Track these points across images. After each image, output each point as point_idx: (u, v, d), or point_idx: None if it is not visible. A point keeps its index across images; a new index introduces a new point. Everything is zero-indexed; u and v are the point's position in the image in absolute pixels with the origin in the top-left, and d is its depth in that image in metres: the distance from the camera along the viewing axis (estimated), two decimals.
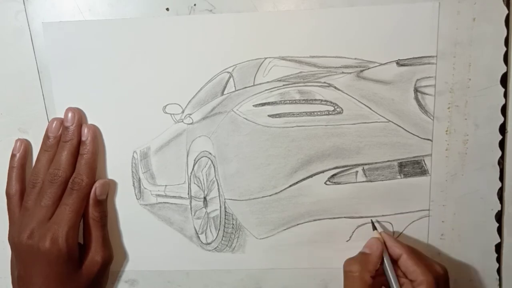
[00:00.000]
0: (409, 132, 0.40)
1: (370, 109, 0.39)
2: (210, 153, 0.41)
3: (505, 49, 0.38)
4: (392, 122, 0.40)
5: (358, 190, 0.41)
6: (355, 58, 0.39)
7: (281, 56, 0.39)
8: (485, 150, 0.40)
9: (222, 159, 0.42)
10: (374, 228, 0.41)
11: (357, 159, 0.41)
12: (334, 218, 0.42)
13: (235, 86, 0.40)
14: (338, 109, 0.40)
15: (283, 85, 0.40)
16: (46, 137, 0.41)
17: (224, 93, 0.40)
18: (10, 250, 0.41)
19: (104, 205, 0.42)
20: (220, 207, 0.42)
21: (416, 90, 0.39)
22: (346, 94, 0.39)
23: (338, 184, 0.41)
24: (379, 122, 0.40)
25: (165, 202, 0.43)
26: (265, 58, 0.39)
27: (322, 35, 0.38)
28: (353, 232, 0.42)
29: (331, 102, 0.40)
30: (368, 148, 0.40)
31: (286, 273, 0.44)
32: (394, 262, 0.39)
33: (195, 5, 0.39)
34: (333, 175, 0.41)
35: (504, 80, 0.39)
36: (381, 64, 0.39)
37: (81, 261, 0.41)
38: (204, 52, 0.39)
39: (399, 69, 0.38)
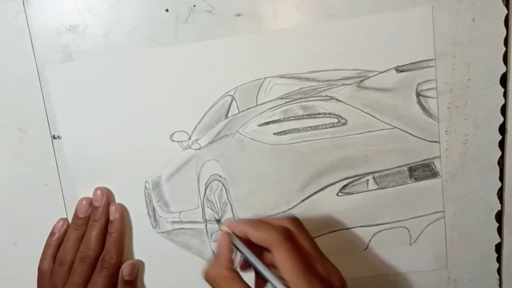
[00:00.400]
0: (415, 136, 0.40)
1: (374, 117, 0.40)
2: (220, 176, 0.42)
3: (504, 49, 0.38)
4: (398, 128, 0.40)
5: (370, 198, 0.42)
6: (354, 69, 0.39)
7: (280, 74, 0.40)
8: (485, 150, 0.40)
9: (233, 181, 0.42)
10: (219, 222, 0.41)
11: (367, 167, 0.41)
12: (349, 228, 0.43)
13: (238, 108, 0.41)
14: (342, 121, 0.40)
15: (285, 102, 0.41)
16: (76, 216, 0.43)
17: (228, 116, 0.41)
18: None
19: (133, 285, 0.43)
20: None
21: (418, 94, 0.39)
22: (349, 105, 0.40)
23: (350, 194, 0.42)
24: (385, 129, 0.40)
25: (181, 228, 0.44)
26: (265, 78, 0.40)
27: (319, 50, 0.39)
28: (370, 240, 0.43)
29: (334, 114, 0.40)
30: (377, 156, 0.41)
31: None
32: (250, 243, 0.36)
33: (194, 6, 0.39)
34: (344, 186, 0.42)
35: (503, 80, 0.39)
36: (380, 72, 0.39)
37: None
38: (205, 77, 0.40)
39: (399, 75, 0.39)
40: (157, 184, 0.43)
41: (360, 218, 0.42)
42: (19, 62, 0.41)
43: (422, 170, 0.41)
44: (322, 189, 0.42)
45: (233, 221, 0.38)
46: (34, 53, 0.41)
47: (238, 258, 0.38)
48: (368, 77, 0.39)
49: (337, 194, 0.42)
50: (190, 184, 0.43)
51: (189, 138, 0.42)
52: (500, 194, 0.41)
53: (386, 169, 0.41)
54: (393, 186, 0.41)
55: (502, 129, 0.40)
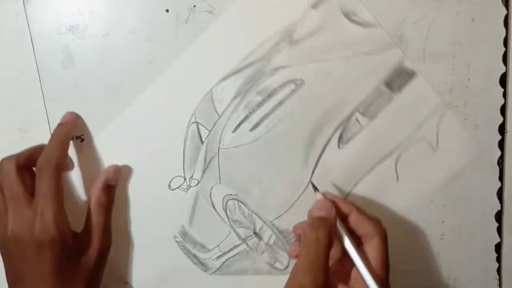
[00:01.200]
0: (371, 53, 0.40)
1: (324, 60, 0.40)
2: (230, 194, 0.43)
3: (504, 49, 0.39)
4: (351, 55, 0.40)
5: (370, 132, 0.41)
6: (277, 32, 0.40)
7: (221, 78, 0.41)
8: (485, 150, 0.41)
9: (243, 192, 0.43)
10: (316, 189, 0.40)
11: (347, 108, 0.41)
12: (371, 170, 0.42)
13: (207, 129, 0.42)
14: (299, 82, 0.41)
15: (241, 98, 0.41)
16: None
17: (203, 140, 0.42)
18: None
19: (113, 191, 0.42)
20: (272, 230, 0.43)
21: (346, 15, 0.39)
22: (294, 66, 0.40)
23: (349, 141, 0.42)
24: (340, 65, 0.40)
25: (228, 258, 0.44)
26: (211, 89, 0.41)
27: (234, 39, 0.40)
28: (396, 169, 0.42)
29: (289, 81, 0.41)
30: (349, 92, 0.41)
31: None
32: (344, 220, 0.38)
33: (194, 6, 0.39)
34: (340, 137, 0.41)
35: (503, 80, 0.39)
36: (300, 19, 0.40)
37: (81, 247, 0.39)
38: (168, 117, 0.42)
39: (318, 10, 0.39)
40: (185, 234, 0.44)
41: (373, 155, 0.42)
42: (19, 62, 0.41)
43: (398, 78, 0.40)
44: (322, 151, 0.42)
45: (340, 198, 0.39)
46: (34, 53, 0.41)
47: None
48: (294, 31, 0.40)
49: (338, 148, 0.42)
50: (211, 216, 0.43)
51: (185, 179, 0.43)
52: (500, 194, 0.41)
53: (366, 98, 0.41)
54: (382, 109, 0.41)
55: (502, 129, 0.40)
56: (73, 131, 0.41)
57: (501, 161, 0.41)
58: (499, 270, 0.44)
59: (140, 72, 0.41)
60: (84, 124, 0.42)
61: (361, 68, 0.40)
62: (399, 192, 0.42)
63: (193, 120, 0.41)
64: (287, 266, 0.44)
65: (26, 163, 0.39)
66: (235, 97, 0.41)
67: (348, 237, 0.36)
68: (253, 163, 0.42)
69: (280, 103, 0.41)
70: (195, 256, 0.44)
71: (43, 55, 0.41)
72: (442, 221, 0.43)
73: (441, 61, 0.40)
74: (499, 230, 0.43)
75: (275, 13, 0.39)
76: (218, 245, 0.44)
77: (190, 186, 0.43)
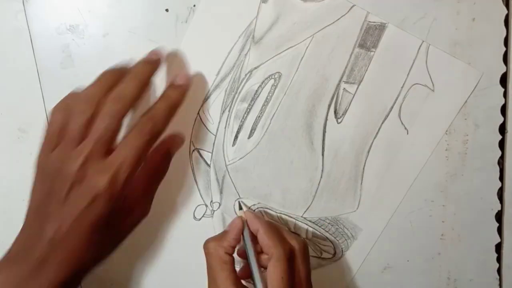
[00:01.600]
0: (336, 23, 0.40)
1: (292, 46, 0.40)
2: (254, 204, 0.44)
3: (504, 49, 0.39)
4: (316, 32, 0.40)
5: (362, 96, 0.41)
6: (238, 36, 0.40)
7: (203, 98, 0.42)
8: (485, 150, 0.41)
9: (265, 198, 0.44)
10: (240, 208, 0.42)
11: (331, 82, 0.41)
12: (379, 130, 0.42)
13: (208, 151, 0.43)
14: (277, 75, 0.41)
15: (229, 109, 0.42)
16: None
17: (209, 164, 0.43)
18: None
19: (170, 160, 0.40)
20: (307, 224, 0.44)
21: None
22: (266, 62, 0.41)
23: (346, 112, 0.42)
24: (310, 44, 0.40)
25: None
26: (197, 113, 0.42)
27: (204, 54, 0.41)
28: (401, 122, 0.42)
29: (267, 78, 0.41)
30: (327, 66, 0.41)
31: None
32: (255, 238, 0.39)
33: (194, 6, 0.39)
34: (335, 112, 0.42)
35: (503, 80, 0.39)
36: (255, 18, 0.40)
37: (121, 213, 0.36)
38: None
39: (268, 4, 0.40)
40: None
41: (376, 116, 0.42)
42: (19, 62, 0.42)
43: (370, 35, 0.40)
44: (324, 132, 0.42)
45: (253, 214, 0.40)
46: (34, 53, 0.41)
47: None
48: (253, 29, 0.40)
49: (338, 123, 0.42)
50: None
51: (206, 206, 0.44)
52: (500, 194, 0.42)
53: (345, 67, 0.41)
54: (366, 69, 0.41)
55: (502, 129, 0.40)
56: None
57: (501, 161, 0.41)
58: (499, 270, 0.44)
59: None
60: None
61: (330, 41, 0.40)
62: (413, 145, 0.42)
63: (192, 148, 0.43)
64: (335, 253, 0.45)
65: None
66: (222, 112, 0.42)
67: (251, 254, 0.39)
68: (264, 167, 0.43)
69: (267, 102, 0.41)
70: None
71: (43, 55, 0.41)
72: (442, 221, 0.43)
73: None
74: (499, 230, 0.43)
75: (230, 20, 0.40)
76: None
77: (214, 211, 0.44)
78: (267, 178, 0.43)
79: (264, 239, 0.38)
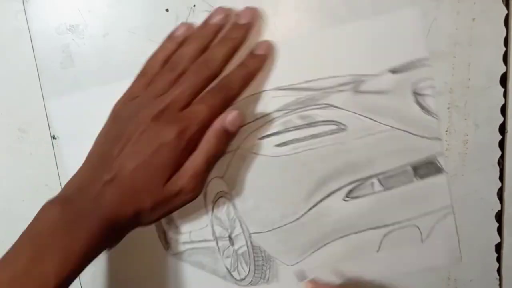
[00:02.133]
0: (416, 135, 0.41)
1: (374, 120, 0.41)
2: (226, 193, 0.43)
3: (504, 49, 0.39)
4: (398, 128, 0.41)
5: (377, 200, 0.42)
6: (349, 75, 0.40)
7: (276, 87, 0.41)
8: (485, 150, 0.41)
9: (239, 196, 0.43)
10: (301, 279, 0.42)
11: (371, 170, 0.42)
12: (359, 232, 0.43)
13: None
14: (342, 127, 0.41)
15: (284, 113, 0.42)
16: (206, 23, 0.38)
17: None
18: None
19: (231, 139, 0.38)
20: (246, 242, 0.44)
21: (415, 93, 0.40)
22: (347, 110, 0.41)
23: (356, 198, 0.42)
24: (385, 131, 0.41)
25: (193, 248, 0.45)
26: (262, 92, 0.41)
27: (312, 59, 0.40)
28: (381, 242, 0.43)
29: (333, 121, 0.41)
30: (379, 158, 0.42)
31: None
32: None
33: (194, 6, 0.40)
34: (350, 191, 0.42)
35: (503, 80, 0.39)
36: (375, 76, 0.40)
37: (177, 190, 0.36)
38: None
39: (394, 77, 0.40)
40: None
41: (369, 220, 0.43)
42: (19, 62, 0.42)
43: (426, 168, 0.42)
44: (328, 195, 0.42)
45: (320, 281, 0.41)
46: (34, 53, 0.42)
47: None
48: (364, 81, 0.41)
49: (343, 200, 0.42)
50: (198, 204, 0.43)
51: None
52: (500, 194, 0.42)
53: (390, 170, 0.42)
54: (399, 186, 0.42)
55: (502, 129, 0.40)
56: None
57: (501, 161, 0.41)
58: (499, 270, 0.44)
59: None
60: None
61: (400, 143, 0.41)
62: (375, 261, 0.44)
63: None
64: (243, 279, 0.45)
65: None
66: (278, 110, 0.41)
67: None
68: (261, 175, 0.42)
69: (315, 136, 0.41)
70: (164, 232, 0.45)
71: (43, 55, 0.42)
72: None
73: (441, 61, 0.40)
74: (499, 230, 0.43)
75: (357, 59, 0.40)
76: (190, 232, 0.45)
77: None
78: (255, 185, 0.43)
79: None
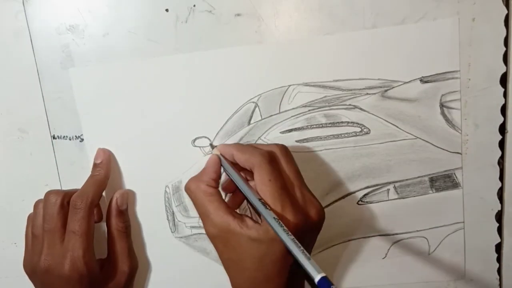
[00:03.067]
0: (437, 147, 0.42)
1: (397, 127, 0.41)
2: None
3: (504, 49, 0.39)
4: (420, 138, 0.41)
5: (391, 208, 0.43)
6: (379, 79, 0.40)
7: (304, 82, 0.41)
8: (485, 150, 0.41)
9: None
10: (212, 147, 0.42)
11: (388, 177, 0.43)
12: (369, 237, 0.44)
13: (261, 115, 0.42)
14: (365, 130, 0.41)
15: (309, 110, 0.42)
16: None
17: (251, 122, 0.42)
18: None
19: (126, 214, 0.44)
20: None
21: (442, 105, 0.40)
22: (372, 114, 0.41)
23: (370, 203, 0.43)
24: (407, 139, 0.42)
25: (200, 233, 0.45)
26: (289, 86, 0.41)
27: (344, 58, 0.40)
28: (388, 249, 0.44)
29: (357, 123, 0.41)
30: (398, 165, 0.42)
31: None
32: (235, 165, 0.39)
33: (194, 6, 0.40)
34: (365, 195, 0.43)
35: (503, 80, 0.39)
36: (404, 83, 0.40)
37: (108, 273, 0.42)
38: (229, 84, 0.41)
39: (424, 86, 0.40)
40: (177, 189, 0.44)
41: (380, 227, 0.44)
42: (19, 62, 0.42)
43: (443, 181, 0.42)
44: (343, 197, 0.43)
45: (224, 144, 0.40)
46: (34, 53, 0.41)
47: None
48: (392, 87, 0.40)
49: (357, 203, 0.43)
50: None
51: (211, 144, 0.43)
52: (500, 194, 0.42)
53: (407, 179, 0.42)
54: (414, 196, 0.43)
55: (502, 129, 0.40)
56: (110, 170, 0.43)
57: (501, 161, 0.41)
58: (499, 270, 0.44)
59: (140, 71, 0.41)
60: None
61: (420, 153, 0.42)
62: (380, 268, 0.45)
63: (255, 100, 0.42)
64: None
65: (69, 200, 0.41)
66: (304, 106, 0.42)
67: (235, 177, 0.38)
68: None
69: (337, 137, 0.42)
70: (173, 213, 0.45)
71: (43, 55, 0.42)
72: None
73: None
74: (499, 230, 0.43)
75: (389, 63, 0.40)
76: (199, 217, 0.44)
77: (211, 153, 0.42)
78: None
79: (241, 156, 0.37)
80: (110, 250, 0.43)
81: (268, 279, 0.35)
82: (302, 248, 0.32)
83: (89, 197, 0.40)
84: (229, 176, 0.39)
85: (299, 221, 0.34)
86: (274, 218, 0.33)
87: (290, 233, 0.32)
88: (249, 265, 0.35)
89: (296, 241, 0.32)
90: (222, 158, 0.39)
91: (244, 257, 0.35)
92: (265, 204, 0.35)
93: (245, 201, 0.42)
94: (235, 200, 0.42)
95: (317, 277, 0.30)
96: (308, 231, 0.36)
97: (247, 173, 0.39)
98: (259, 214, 0.35)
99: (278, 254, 0.34)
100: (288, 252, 0.33)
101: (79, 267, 0.39)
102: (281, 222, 0.33)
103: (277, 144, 0.39)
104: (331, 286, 0.29)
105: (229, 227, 0.35)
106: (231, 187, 0.41)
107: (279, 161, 0.37)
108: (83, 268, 0.39)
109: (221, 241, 0.36)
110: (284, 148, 0.38)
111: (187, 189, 0.38)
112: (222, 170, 0.39)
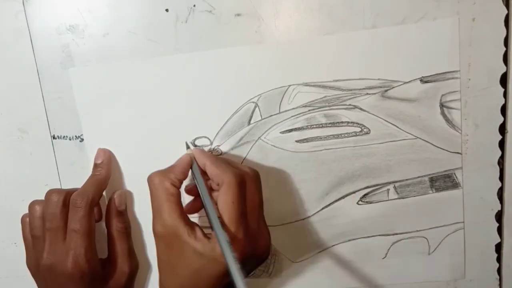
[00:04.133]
0: (437, 147, 0.42)
1: (397, 127, 0.42)
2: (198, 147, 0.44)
3: (504, 49, 0.39)
4: (420, 138, 0.42)
5: (391, 208, 0.43)
6: (379, 79, 0.41)
7: (304, 82, 0.41)
8: (485, 150, 0.41)
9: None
10: (188, 147, 0.42)
11: (388, 177, 0.43)
12: (368, 237, 0.44)
13: (261, 115, 0.42)
14: (365, 130, 0.42)
15: (309, 110, 0.42)
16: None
17: (251, 122, 0.43)
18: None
19: (126, 215, 0.44)
20: None
21: (442, 105, 0.41)
22: (372, 114, 0.42)
23: (370, 203, 0.43)
24: (407, 139, 0.42)
25: None
26: (289, 86, 0.41)
27: (344, 58, 0.41)
28: (388, 249, 0.45)
29: (357, 123, 0.42)
30: (398, 165, 0.43)
31: None
32: (204, 173, 0.39)
33: (194, 6, 0.40)
34: (364, 195, 0.43)
35: (503, 80, 0.39)
36: (404, 83, 0.41)
37: (108, 273, 0.43)
38: (229, 84, 0.42)
39: (424, 86, 0.41)
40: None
41: (380, 227, 0.44)
42: (19, 62, 0.42)
43: (443, 181, 0.42)
44: (343, 197, 0.44)
45: (200, 150, 0.40)
46: (34, 53, 0.42)
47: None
48: (393, 87, 0.41)
49: (357, 203, 0.44)
50: None
51: (211, 144, 0.43)
52: (500, 194, 0.42)
53: (407, 179, 0.43)
54: (414, 196, 0.43)
55: (502, 129, 0.40)
56: (110, 170, 0.43)
57: (501, 161, 0.41)
58: (499, 270, 0.44)
59: (140, 71, 0.41)
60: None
61: (420, 153, 0.42)
62: (380, 267, 0.45)
63: (254, 100, 0.42)
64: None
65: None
66: (304, 106, 0.42)
67: (201, 185, 0.38)
68: (279, 169, 0.43)
69: (337, 136, 0.42)
70: None
71: (43, 55, 0.42)
72: None
73: None
74: (499, 230, 0.43)
75: (389, 63, 0.40)
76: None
77: (211, 153, 0.43)
78: (272, 177, 0.43)
79: (213, 169, 0.37)
80: (110, 250, 0.44)
81: None
82: (243, 279, 0.32)
83: (89, 196, 0.41)
84: (195, 182, 0.39)
85: (247, 251, 0.36)
86: (226, 241, 0.34)
87: (236, 261, 0.33)
88: (182, 273, 0.36)
89: (240, 271, 0.32)
90: (194, 162, 0.39)
91: (181, 264, 0.36)
92: (222, 224, 0.35)
93: (201, 211, 0.42)
94: (193, 206, 0.42)
95: None
96: (251, 262, 0.37)
97: (211, 185, 0.39)
98: (211, 229, 0.36)
99: (215, 273, 0.35)
100: (225, 275, 0.34)
101: (81, 265, 0.40)
102: (231, 248, 0.33)
103: (251, 169, 0.39)
104: None
105: (177, 231, 0.35)
106: (193, 192, 0.41)
107: (248, 186, 0.37)
108: (85, 265, 0.40)
109: (164, 242, 0.37)
110: (256, 175, 0.39)
111: (150, 181, 0.38)
112: (189, 173, 0.40)
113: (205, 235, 0.36)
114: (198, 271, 0.35)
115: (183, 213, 0.37)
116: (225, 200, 0.35)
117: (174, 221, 0.36)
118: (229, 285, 0.33)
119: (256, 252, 0.37)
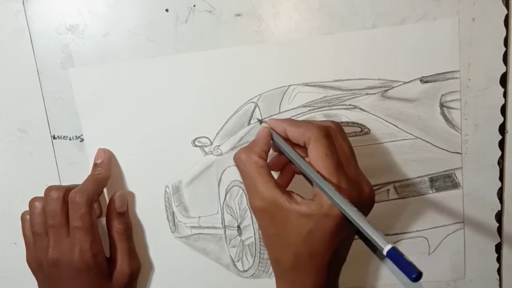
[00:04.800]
0: (437, 147, 0.42)
1: (397, 127, 0.42)
2: (241, 182, 0.44)
3: (504, 49, 0.39)
4: (420, 138, 0.42)
5: (391, 208, 0.44)
6: (379, 79, 0.41)
7: (304, 82, 0.41)
8: (485, 150, 0.41)
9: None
10: (261, 123, 0.42)
11: (388, 177, 0.43)
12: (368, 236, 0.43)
13: (261, 115, 0.42)
14: (365, 130, 0.42)
15: (309, 110, 0.42)
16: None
17: (251, 122, 0.43)
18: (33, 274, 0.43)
19: (127, 216, 0.44)
20: (255, 234, 0.45)
21: (442, 105, 0.41)
22: (372, 114, 0.42)
23: None
24: (407, 139, 0.42)
25: (199, 233, 0.46)
26: (289, 86, 0.42)
27: (344, 59, 0.41)
28: None
29: (357, 124, 0.42)
30: (398, 165, 0.43)
31: None
32: (287, 140, 0.38)
33: (194, 6, 0.40)
34: None
35: (503, 80, 0.39)
36: (404, 83, 0.41)
37: (110, 273, 0.43)
38: (230, 84, 0.42)
39: (424, 86, 0.41)
40: (177, 189, 0.45)
41: (380, 227, 0.44)
42: (19, 62, 0.42)
43: (443, 181, 0.43)
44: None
45: (275, 119, 0.39)
46: (34, 53, 0.42)
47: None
48: (392, 87, 0.41)
49: None
50: (211, 189, 0.45)
51: (211, 144, 0.43)
52: (500, 194, 0.42)
53: (407, 179, 0.43)
54: (414, 196, 0.43)
55: (502, 129, 0.41)
56: (110, 170, 0.43)
57: (501, 161, 0.41)
58: (499, 270, 0.44)
59: (140, 71, 0.41)
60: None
61: (420, 153, 0.42)
62: (379, 267, 0.45)
63: (255, 100, 0.42)
64: (246, 271, 0.46)
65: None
66: (304, 106, 0.42)
67: (289, 150, 0.37)
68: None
69: None
70: (173, 213, 0.45)
71: (43, 55, 0.42)
72: None
73: None
74: (499, 230, 0.43)
75: (389, 64, 0.40)
76: (199, 217, 0.46)
77: (211, 153, 0.44)
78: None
79: (295, 130, 0.36)
80: (111, 251, 0.44)
81: (312, 256, 0.35)
82: (366, 220, 0.31)
83: (89, 193, 0.41)
84: (280, 150, 0.38)
85: (354, 197, 0.34)
86: (335, 190, 0.33)
87: (353, 205, 0.32)
88: (294, 241, 0.35)
89: (360, 212, 0.32)
90: (273, 131, 0.38)
91: (290, 233, 0.35)
92: (324, 177, 0.34)
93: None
94: (283, 178, 0.41)
95: (386, 248, 0.30)
96: (361, 209, 0.34)
97: (300, 150, 0.38)
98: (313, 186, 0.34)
99: (328, 229, 0.34)
100: (339, 229, 0.34)
101: (87, 259, 0.40)
102: (342, 195, 0.33)
103: (332, 121, 0.38)
104: (401, 257, 0.29)
105: (277, 201, 0.35)
106: (278, 166, 0.40)
107: (333, 135, 0.36)
108: (91, 260, 0.40)
109: (266, 216, 0.36)
110: (338, 125, 0.38)
111: (237, 158, 0.37)
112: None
113: (303, 198, 0.35)
114: (311, 234, 0.34)
115: (277, 182, 0.36)
116: (318, 155, 0.34)
117: (271, 191, 0.35)
118: (346, 240, 0.33)
119: (362, 200, 0.35)
